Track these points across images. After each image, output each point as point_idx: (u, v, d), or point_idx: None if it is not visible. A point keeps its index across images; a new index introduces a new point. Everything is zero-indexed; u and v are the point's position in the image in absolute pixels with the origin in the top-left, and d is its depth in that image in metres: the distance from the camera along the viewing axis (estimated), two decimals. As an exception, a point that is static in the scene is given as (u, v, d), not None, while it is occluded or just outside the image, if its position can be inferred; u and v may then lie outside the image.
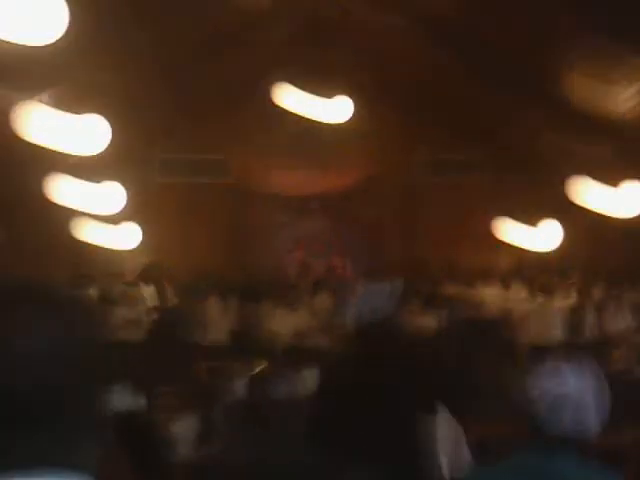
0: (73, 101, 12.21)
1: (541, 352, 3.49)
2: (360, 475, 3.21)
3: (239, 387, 4.50)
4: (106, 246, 15.20)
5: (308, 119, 15.45)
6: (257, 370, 3.25)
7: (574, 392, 3.01)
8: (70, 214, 14.55)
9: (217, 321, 14.92)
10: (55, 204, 13.73)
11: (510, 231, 16.72)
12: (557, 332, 14.39)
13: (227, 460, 3.75)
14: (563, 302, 15.35)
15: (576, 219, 16.12)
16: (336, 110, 14.43)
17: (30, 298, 1.31)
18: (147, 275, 15.50)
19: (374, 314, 4.38)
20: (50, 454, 1.27)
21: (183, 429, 6.55)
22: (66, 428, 1.29)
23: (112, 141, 11.79)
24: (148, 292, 15.21)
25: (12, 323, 1.27)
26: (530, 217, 15.83)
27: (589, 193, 13.67)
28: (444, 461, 4.31)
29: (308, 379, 3.51)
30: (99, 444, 1.35)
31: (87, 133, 11.17)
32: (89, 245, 14.94)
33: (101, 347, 1.39)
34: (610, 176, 13.28)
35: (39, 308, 1.30)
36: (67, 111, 11.41)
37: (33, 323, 1.28)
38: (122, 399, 5.39)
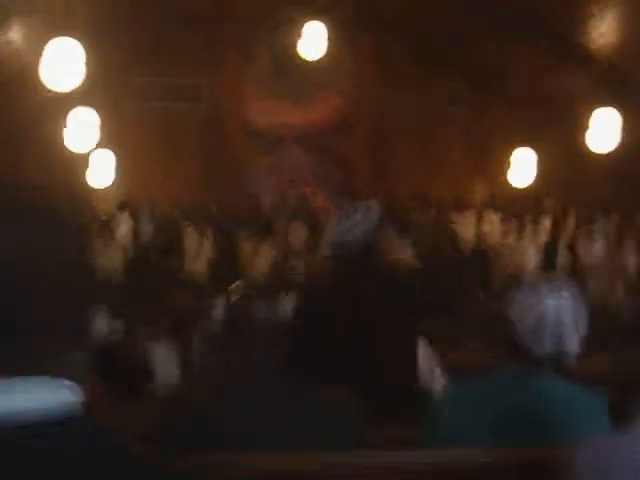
0: (45, 26, 12.06)
1: (517, 280, 3.51)
2: (339, 391, 3.23)
3: (218, 310, 4.49)
4: (81, 174, 15.10)
5: (287, 49, 15.39)
6: (234, 287, 3.23)
7: (553, 311, 3.03)
8: (46, 140, 14.48)
9: (194, 251, 14.95)
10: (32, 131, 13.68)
11: (485, 162, 16.79)
12: (531, 262, 14.51)
13: (207, 383, 3.77)
14: (537, 232, 15.46)
15: (551, 149, 16.20)
16: (314, 41, 14.32)
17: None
18: (122, 208, 15.45)
19: (353, 236, 4.33)
20: (37, 365, 1.27)
21: (162, 356, 6.58)
22: (53, 342, 1.29)
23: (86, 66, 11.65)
24: (124, 225, 15.18)
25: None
26: (505, 147, 15.87)
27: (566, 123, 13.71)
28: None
29: (287, 303, 3.51)
30: (85, 362, 1.36)
31: (62, 64, 10.97)
32: (66, 172, 14.84)
33: (88, 266, 1.39)
34: (587, 107, 13.31)
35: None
36: (39, 37, 11.26)
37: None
38: (101, 328, 5.39)
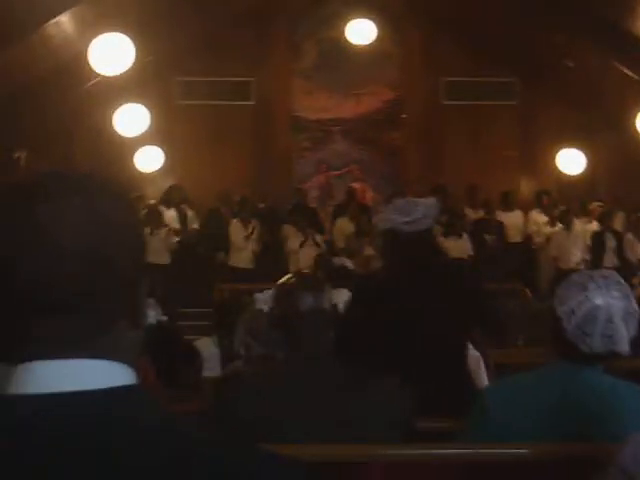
0: (96, 19, 12.16)
1: (565, 276, 3.49)
2: (389, 382, 3.23)
3: (264, 301, 4.51)
4: (130, 168, 15.23)
5: (331, 41, 15.38)
6: (283, 280, 3.24)
7: (603, 307, 2.99)
8: (94, 134, 14.61)
9: (240, 245, 15.01)
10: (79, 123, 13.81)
11: (534, 157, 16.69)
12: (578, 259, 14.44)
13: (252, 374, 3.79)
14: (584, 229, 15.38)
15: (600, 146, 16.08)
16: (360, 32, 14.30)
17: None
18: (169, 198, 15.55)
19: (413, 231, 4.36)
20: (96, 346, 1.30)
21: (207, 348, 6.62)
22: (110, 322, 1.32)
23: (135, 61, 11.74)
24: (170, 215, 15.27)
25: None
26: (554, 143, 15.79)
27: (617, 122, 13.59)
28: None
29: (335, 295, 3.52)
30: (140, 343, 1.38)
31: (110, 52, 11.07)
32: (113, 166, 14.95)
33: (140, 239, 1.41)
34: (637, 101, 13.20)
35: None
36: (89, 30, 11.36)
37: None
38: (151, 313, 5.44)
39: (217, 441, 1.31)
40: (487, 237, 15.13)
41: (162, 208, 15.16)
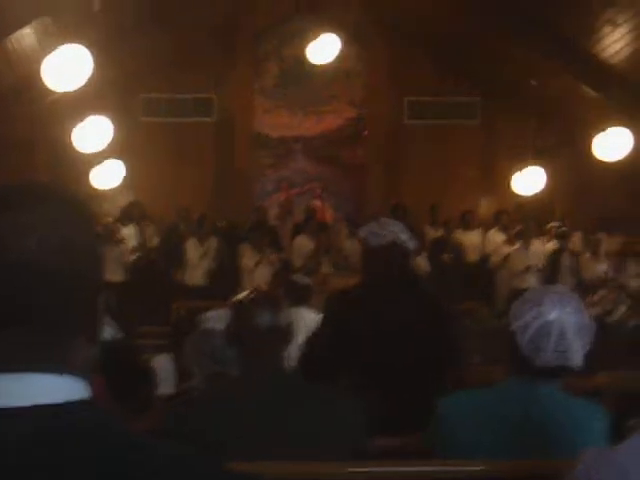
0: (58, 33, 12.10)
1: (521, 294, 3.51)
2: (346, 399, 3.23)
3: (213, 320, 4.52)
4: (89, 184, 15.15)
5: (294, 59, 15.40)
6: (240, 297, 3.23)
7: (556, 321, 3.01)
8: (55, 148, 14.53)
9: (194, 263, 14.97)
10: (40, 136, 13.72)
11: (494, 176, 16.80)
12: (535, 278, 14.52)
13: (205, 391, 3.78)
14: (542, 247, 15.49)
15: (560, 166, 16.23)
16: (323, 50, 14.32)
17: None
18: (129, 214, 15.50)
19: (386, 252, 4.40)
20: (51, 360, 1.29)
21: (163, 366, 6.59)
22: (66, 337, 1.31)
23: (98, 77, 11.68)
24: (129, 232, 15.21)
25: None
26: (514, 163, 15.90)
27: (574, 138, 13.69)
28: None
29: (294, 313, 3.52)
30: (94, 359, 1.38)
31: (67, 66, 10.94)
32: (73, 181, 14.87)
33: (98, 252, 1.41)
34: (599, 120, 13.32)
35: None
36: (51, 43, 11.28)
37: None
38: (106, 330, 5.41)
39: (174, 455, 1.31)
40: (445, 256, 15.20)
41: (119, 225, 15.11)
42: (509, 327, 3.11)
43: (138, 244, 15.18)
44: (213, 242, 15.13)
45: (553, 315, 3.01)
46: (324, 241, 14.84)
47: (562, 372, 3.07)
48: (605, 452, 2.33)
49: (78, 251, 1.32)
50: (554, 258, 14.77)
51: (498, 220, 16.04)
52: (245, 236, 15.45)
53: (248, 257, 14.68)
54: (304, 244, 15.18)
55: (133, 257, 14.90)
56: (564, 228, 15.74)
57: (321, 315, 4.73)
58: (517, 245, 15.25)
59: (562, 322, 3.01)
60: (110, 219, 15.11)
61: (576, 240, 15.70)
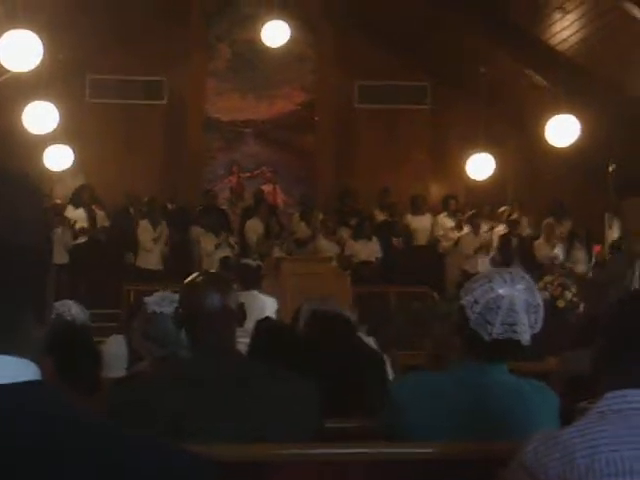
0: (5, 15, 11.96)
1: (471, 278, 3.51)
2: (298, 381, 3.23)
3: (155, 304, 4.50)
4: (40, 166, 14.98)
5: (246, 42, 15.34)
6: (190, 280, 3.21)
7: (506, 296, 3.02)
8: (2, 131, 14.36)
9: (147, 246, 14.91)
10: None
11: (444, 161, 16.87)
12: (485, 262, 14.63)
13: (155, 372, 3.76)
14: (492, 233, 15.61)
15: (509, 152, 16.32)
16: (275, 34, 14.27)
17: None
18: (79, 197, 15.39)
19: None
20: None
21: (114, 348, 6.55)
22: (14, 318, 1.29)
23: (46, 59, 11.56)
24: (79, 214, 15.12)
25: None
26: (464, 148, 15.97)
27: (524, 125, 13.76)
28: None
29: (244, 297, 3.50)
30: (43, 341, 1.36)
31: (18, 49, 10.85)
32: (22, 163, 14.71)
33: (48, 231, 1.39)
34: (548, 107, 13.41)
35: None
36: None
37: None
38: (56, 312, 5.37)
39: (125, 435, 1.30)
40: (395, 240, 15.27)
41: (68, 207, 15.01)
42: (459, 302, 3.13)
43: (88, 227, 15.09)
44: (164, 226, 15.09)
45: (503, 290, 3.03)
46: (274, 225, 14.85)
47: (511, 348, 3.08)
48: (553, 434, 2.36)
49: (26, 227, 1.30)
50: (504, 243, 14.89)
51: (447, 205, 16.12)
52: (195, 219, 15.42)
53: (206, 241, 14.65)
54: (256, 228, 15.18)
55: (83, 239, 14.81)
56: (514, 213, 15.87)
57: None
58: (466, 230, 15.35)
59: (512, 297, 3.03)
60: (59, 201, 15.01)
61: (526, 225, 15.85)
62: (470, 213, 15.53)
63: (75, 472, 1.20)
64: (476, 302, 3.05)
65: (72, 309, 5.40)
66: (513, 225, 15.44)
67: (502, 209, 16.15)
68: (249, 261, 10.79)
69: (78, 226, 14.88)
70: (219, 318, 3.12)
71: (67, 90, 15.56)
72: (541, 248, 15.12)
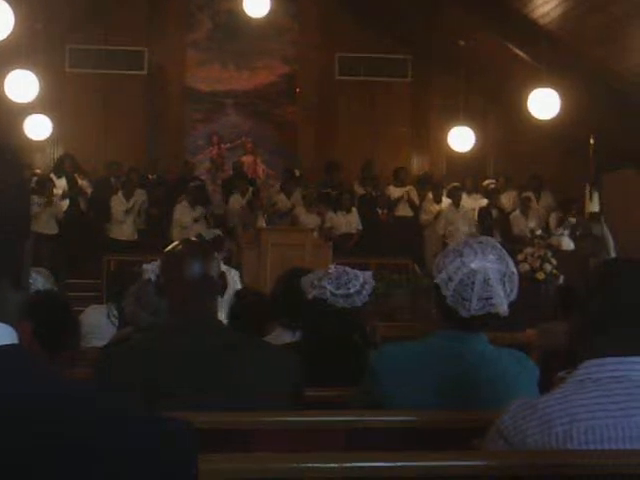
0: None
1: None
2: (278, 351, 3.23)
3: (152, 271, 4.48)
4: (20, 135, 14.89)
5: (227, 13, 15.25)
6: (170, 248, 3.19)
7: (480, 270, 3.01)
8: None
9: (119, 218, 14.88)
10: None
11: (426, 134, 16.87)
12: (466, 235, 14.65)
13: (137, 339, 3.76)
14: (473, 206, 15.63)
15: (490, 125, 16.34)
16: (256, 5, 14.21)
17: None
18: (60, 167, 15.34)
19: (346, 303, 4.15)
20: None
21: (94, 318, 6.55)
22: None
23: (25, 28, 11.48)
24: (61, 184, 15.06)
25: None
26: (445, 120, 15.97)
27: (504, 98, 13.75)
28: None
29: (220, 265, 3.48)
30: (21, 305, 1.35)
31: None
32: (3, 133, 14.63)
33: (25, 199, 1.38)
34: (528, 81, 13.42)
35: None
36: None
37: None
38: (38, 280, 5.36)
39: (101, 401, 1.30)
40: (379, 212, 15.28)
41: (53, 177, 14.96)
42: (434, 280, 3.12)
43: (70, 197, 15.03)
44: (141, 195, 15.07)
45: (475, 264, 3.01)
46: (255, 197, 14.86)
47: (489, 321, 3.08)
48: (531, 402, 2.38)
49: (3, 194, 1.29)
50: (484, 215, 14.91)
51: (426, 180, 16.09)
52: (174, 191, 15.40)
53: (183, 214, 14.63)
54: (238, 200, 15.18)
55: (64, 210, 14.77)
56: (493, 186, 15.89)
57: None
58: (447, 203, 15.37)
59: (485, 270, 3.01)
60: (40, 171, 14.95)
61: (510, 197, 15.88)
62: (454, 185, 15.53)
63: (47, 436, 1.20)
64: (450, 279, 3.03)
65: (37, 279, 5.38)
66: (492, 196, 15.46)
67: (487, 182, 16.17)
68: (206, 231, 10.82)
69: (60, 196, 14.81)
70: (200, 286, 3.11)
71: (47, 60, 15.46)
72: (518, 221, 15.17)
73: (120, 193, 14.95)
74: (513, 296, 3.09)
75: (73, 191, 15.16)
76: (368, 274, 4.22)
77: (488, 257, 3.03)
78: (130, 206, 14.84)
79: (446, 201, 15.46)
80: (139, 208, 15.01)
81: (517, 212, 15.32)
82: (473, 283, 3.00)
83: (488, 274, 3.01)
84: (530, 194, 15.55)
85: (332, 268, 4.14)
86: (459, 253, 3.05)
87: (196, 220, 14.44)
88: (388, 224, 15.26)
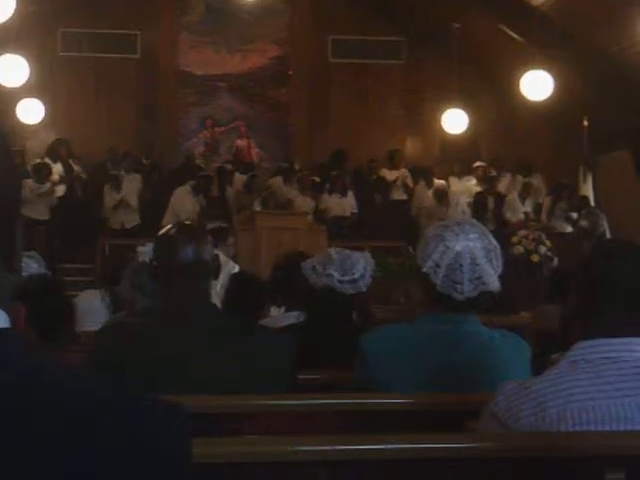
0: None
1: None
2: (275, 332, 3.23)
3: (147, 254, 4.48)
4: (12, 119, 14.86)
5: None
6: (164, 232, 3.19)
7: (464, 251, 3.00)
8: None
9: (110, 208, 14.87)
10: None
11: (419, 116, 16.86)
12: (459, 216, 14.65)
13: (131, 323, 3.76)
14: (466, 188, 15.64)
15: (484, 107, 16.32)
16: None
17: None
18: (54, 151, 15.29)
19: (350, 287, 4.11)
20: None
21: (89, 302, 6.55)
22: None
23: (17, 11, 11.44)
24: (56, 169, 15.03)
25: None
26: (439, 103, 15.95)
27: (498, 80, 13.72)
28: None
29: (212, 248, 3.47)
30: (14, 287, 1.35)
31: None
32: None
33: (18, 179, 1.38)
34: (521, 63, 13.41)
35: None
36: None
37: None
38: (28, 270, 5.35)
39: (95, 385, 1.29)
40: (375, 195, 15.30)
41: (49, 163, 14.93)
42: (420, 270, 3.10)
43: (66, 182, 15.01)
44: (136, 182, 15.05)
45: (460, 246, 3.01)
46: (253, 180, 14.90)
47: (484, 299, 3.08)
48: (525, 383, 2.38)
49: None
50: (479, 201, 14.86)
51: (417, 170, 16.10)
52: (171, 173, 15.40)
53: (181, 196, 14.62)
54: (235, 183, 15.25)
55: (60, 195, 14.74)
56: (493, 172, 15.89)
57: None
58: (443, 185, 15.37)
59: (470, 250, 3.01)
60: (40, 157, 14.91)
61: (505, 181, 15.88)
62: (447, 169, 15.62)
63: (43, 422, 1.20)
64: (438, 266, 3.01)
65: (29, 264, 5.38)
66: (490, 184, 15.47)
67: (477, 164, 16.17)
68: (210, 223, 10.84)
69: (55, 180, 14.78)
70: (193, 270, 3.11)
71: (39, 44, 15.44)
72: (514, 205, 15.16)
73: (109, 185, 14.90)
74: (500, 269, 3.09)
75: (69, 176, 15.13)
76: (366, 255, 4.22)
77: (469, 236, 3.03)
78: (119, 198, 14.79)
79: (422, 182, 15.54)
80: (136, 193, 14.98)
81: (514, 195, 15.31)
82: (461, 265, 3.00)
83: (474, 253, 3.01)
84: (531, 180, 15.53)
85: (333, 252, 4.11)
86: (441, 238, 3.04)
87: (194, 208, 14.42)
88: (383, 207, 15.27)
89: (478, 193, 15.19)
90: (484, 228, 3.16)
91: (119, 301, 5.61)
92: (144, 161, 15.91)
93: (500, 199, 15.31)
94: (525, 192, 15.21)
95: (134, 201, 14.92)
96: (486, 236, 3.09)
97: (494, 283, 3.04)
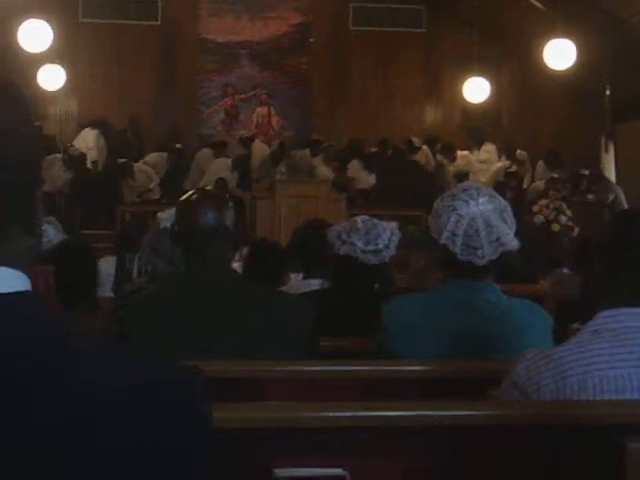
0: None
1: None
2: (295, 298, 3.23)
3: (167, 220, 4.48)
4: (34, 85, 14.87)
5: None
6: (185, 197, 3.20)
7: (478, 216, 2.99)
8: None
9: (144, 169, 14.93)
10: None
11: (439, 85, 16.78)
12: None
13: (153, 289, 3.77)
14: (487, 160, 15.59)
15: (505, 76, 16.24)
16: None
17: None
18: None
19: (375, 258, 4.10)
20: None
21: (105, 269, 6.57)
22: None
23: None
24: (83, 136, 15.12)
25: None
26: (459, 72, 15.88)
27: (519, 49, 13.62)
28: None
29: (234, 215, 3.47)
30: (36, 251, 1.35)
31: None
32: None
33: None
34: (544, 32, 13.30)
35: None
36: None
37: None
38: (49, 236, 5.37)
39: (112, 350, 1.30)
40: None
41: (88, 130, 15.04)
42: (437, 242, 3.08)
43: (92, 149, 15.10)
44: (161, 158, 15.15)
45: (472, 212, 3.00)
46: (281, 149, 14.96)
47: (506, 259, 3.08)
48: (546, 352, 2.38)
49: (13, 139, 1.28)
50: (503, 185, 14.57)
51: (435, 141, 16.01)
52: (193, 140, 15.48)
53: (199, 160, 14.67)
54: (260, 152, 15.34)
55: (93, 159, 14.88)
56: (525, 162, 15.71)
57: None
58: (463, 157, 15.33)
59: (482, 214, 3.01)
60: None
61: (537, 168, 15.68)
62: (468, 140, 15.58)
63: (57, 384, 1.20)
64: (455, 235, 3.01)
65: (48, 229, 5.40)
66: (521, 169, 15.34)
67: (518, 152, 15.88)
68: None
69: (79, 147, 14.86)
70: (215, 236, 3.12)
71: (60, 10, 15.39)
72: (541, 171, 15.06)
73: (141, 146, 15.09)
74: (515, 226, 3.09)
75: (94, 143, 15.22)
76: (394, 225, 4.20)
77: (479, 200, 3.03)
78: (155, 156, 14.99)
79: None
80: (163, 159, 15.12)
81: (541, 162, 15.22)
82: (477, 230, 3.00)
83: (487, 216, 3.01)
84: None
85: (359, 221, 4.10)
86: (452, 207, 3.04)
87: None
88: (403, 177, 15.23)
89: (499, 183, 15.00)
90: (490, 189, 3.19)
91: (139, 267, 5.62)
92: (176, 146, 15.72)
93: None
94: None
95: (155, 182, 15.02)
96: (495, 197, 3.09)
97: (512, 242, 3.05)
